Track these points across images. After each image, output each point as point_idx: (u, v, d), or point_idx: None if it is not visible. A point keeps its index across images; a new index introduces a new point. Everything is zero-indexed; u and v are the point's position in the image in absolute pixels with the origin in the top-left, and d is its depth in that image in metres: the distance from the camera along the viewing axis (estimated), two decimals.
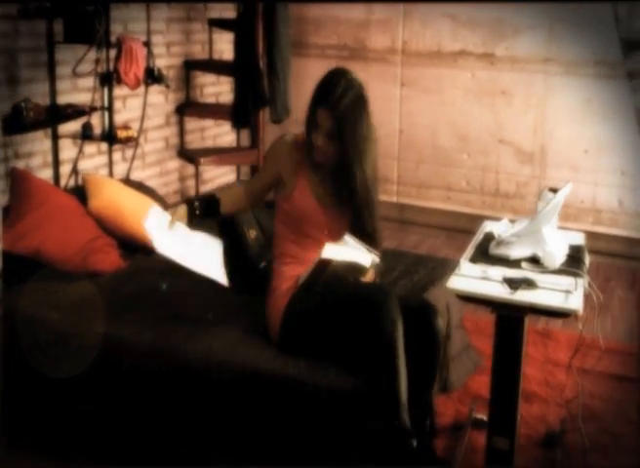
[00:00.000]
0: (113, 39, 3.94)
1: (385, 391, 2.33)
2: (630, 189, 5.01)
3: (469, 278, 2.31)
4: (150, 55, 4.08)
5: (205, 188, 5.54)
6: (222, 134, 5.75)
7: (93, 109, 3.84)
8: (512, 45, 5.13)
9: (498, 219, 2.98)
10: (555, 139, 5.14)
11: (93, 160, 4.39)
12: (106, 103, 3.94)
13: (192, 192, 5.45)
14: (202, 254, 2.67)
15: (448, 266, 3.44)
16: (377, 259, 2.51)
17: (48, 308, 2.81)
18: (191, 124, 5.34)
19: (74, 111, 3.78)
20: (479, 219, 5.53)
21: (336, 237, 2.66)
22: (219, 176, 5.79)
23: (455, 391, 3.22)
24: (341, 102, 2.43)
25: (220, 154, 5.23)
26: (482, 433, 3.01)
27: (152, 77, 4.05)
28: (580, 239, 2.79)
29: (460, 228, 5.36)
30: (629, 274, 4.82)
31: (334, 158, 2.54)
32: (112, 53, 3.94)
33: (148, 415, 2.61)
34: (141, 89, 4.21)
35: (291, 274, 2.58)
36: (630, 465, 2.85)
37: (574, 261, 2.50)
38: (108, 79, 3.87)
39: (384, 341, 2.31)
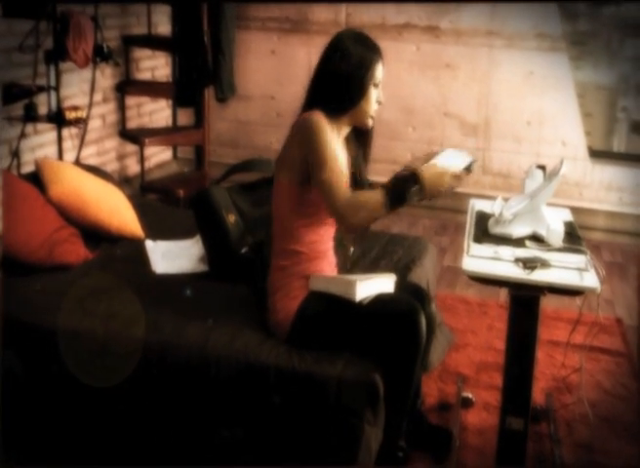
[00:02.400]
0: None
1: (401, 385, 2.32)
2: (571, 159, 5.09)
3: (482, 259, 2.27)
4: (99, 30, 3.81)
5: (146, 166, 5.32)
6: (159, 110, 5.52)
7: (40, 89, 3.57)
8: (456, 18, 5.10)
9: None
10: (499, 112, 5.18)
11: (30, 140, 4.12)
12: (53, 82, 3.66)
13: (132, 172, 5.22)
14: (188, 255, 3.10)
15: (421, 244, 3.45)
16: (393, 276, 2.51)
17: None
18: (128, 100, 5.09)
19: (20, 91, 3.50)
20: None
21: None
22: (156, 154, 5.58)
23: (434, 370, 3.21)
24: None
25: (165, 134, 5.04)
26: (469, 411, 3.03)
27: (101, 54, 3.79)
28: (567, 215, 2.80)
29: None
30: None
31: None
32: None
33: (143, 414, 2.47)
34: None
35: (304, 273, 2.42)
36: (612, 433, 2.93)
37: (572, 238, 2.50)
38: (55, 56, 3.60)
39: (409, 351, 2.31)
